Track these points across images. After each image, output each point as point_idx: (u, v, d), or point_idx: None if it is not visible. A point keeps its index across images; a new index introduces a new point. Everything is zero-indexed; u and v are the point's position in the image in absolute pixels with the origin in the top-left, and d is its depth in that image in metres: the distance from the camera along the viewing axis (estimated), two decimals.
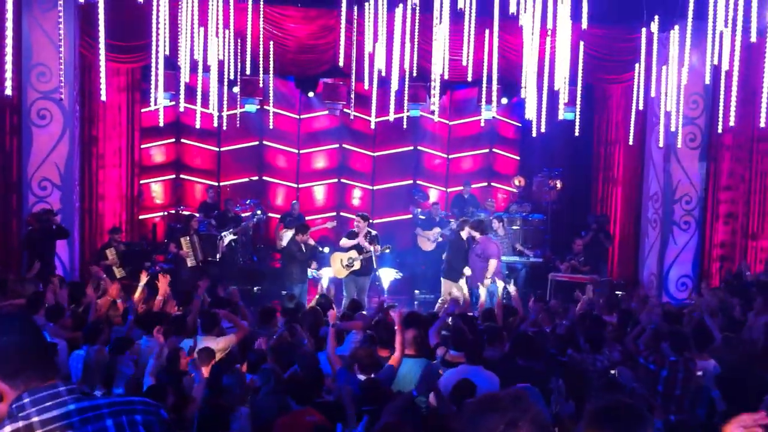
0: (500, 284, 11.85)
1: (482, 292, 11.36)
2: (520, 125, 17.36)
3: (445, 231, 15.29)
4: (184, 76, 11.82)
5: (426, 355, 7.25)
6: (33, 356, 2.33)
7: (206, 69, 12.20)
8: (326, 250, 13.91)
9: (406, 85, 13.08)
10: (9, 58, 9.49)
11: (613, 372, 6.96)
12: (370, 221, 12.92)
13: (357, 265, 12.30)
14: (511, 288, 10.93)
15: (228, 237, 14.48)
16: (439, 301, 12.40)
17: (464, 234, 12.56)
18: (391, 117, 13.02)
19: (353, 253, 12.31)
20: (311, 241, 12.85)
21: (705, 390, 6.55)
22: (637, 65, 13.10)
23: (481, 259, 12.21)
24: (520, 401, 2.00)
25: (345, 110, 15.01)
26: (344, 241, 12.64)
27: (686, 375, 6.70)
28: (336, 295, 12.64)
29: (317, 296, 10.73)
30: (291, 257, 12.55)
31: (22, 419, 2.26)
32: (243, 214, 15.70)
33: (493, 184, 18.14)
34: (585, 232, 14.63)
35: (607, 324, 8.78)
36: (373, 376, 6.47)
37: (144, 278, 9.68)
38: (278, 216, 16.05)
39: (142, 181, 15.81)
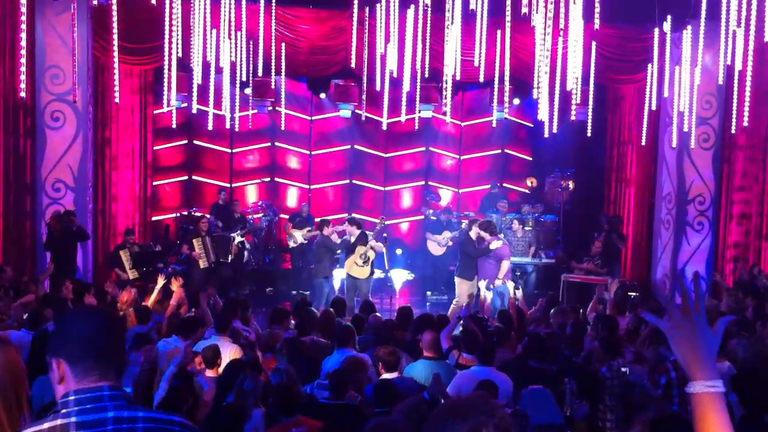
0: (510, 285, 11.82)
1: (488, 293, 11.33)
2: (532, 126, 17.30)
3: (455, 234, 15.29)
4: (197, 78, 11.87)
5: (444, 357, 7.26)
6: (96, 353, 2.39)
7: (218, 71, 12.25)
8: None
9: (418, 86, 13.09)
10: (23, 60, 9.54)
11: (624, 369, 6.93)
12: (360, 223, 12.86)
13: (372, 255, 12.30)
14: (519, 293, 10.95)
15: (237, 239, 14.53)
16: (454, 302, 12.36)
17: (473, 234, 12.50)
18: (403, 118, 13.04)
19: (360, 249, 12.31)
20: (337, 231, 12.81)
21: None
22: (649, 65, 13.06)
23: (490, 259, 12.14)
24: (484, 406, 2.00)
25: (357, 111, 15.01)
26: (335, 237, 12.72)
27: None
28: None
29: (333, 297, 10.80)
30: (327, 249, 12.52)
31: (62, 417, 2.32)
32: (255, 215, 15.74)
33: (505, 184, 18.09)
34: (597, 233, 14.57)
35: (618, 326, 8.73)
36: (395, 375, 6.48)
37: (161, 281, 9.71)
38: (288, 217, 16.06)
39: (154, 183, 15.85)
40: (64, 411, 2.32)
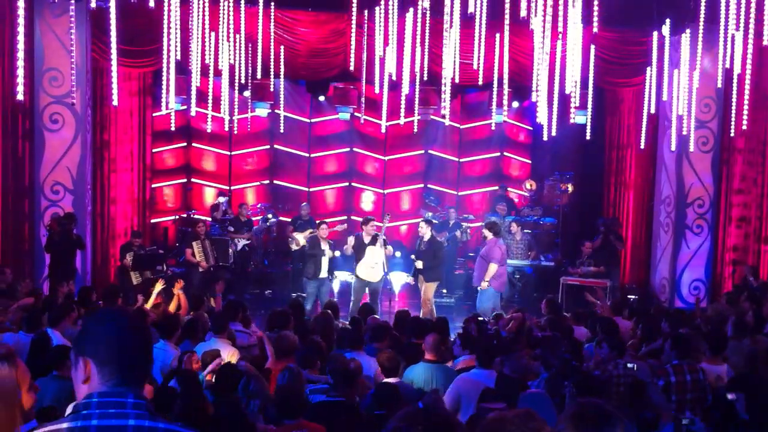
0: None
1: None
2: (531, 129, 17.32)
3: (453, 235, 15.33)
4: (196, 81, 11.86)
5: (444, 360, 7.24)
6: (122, 357, 2.36)
7: (217, 73, 12.25)
8: (337, 254, 13.89)
9: (417, 89, 13.09)
10: (21, 63, 9.53)
11: (630, 365, 6.91)
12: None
13: (382, 257, 12.31)
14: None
15: (242, 242, 14.53)
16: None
17: (425, 233, 12.64)
18: (402, 121, 13.02)
19: (372, 250, 12.28)
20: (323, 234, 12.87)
21: (722, 394, 6.46)
22: (648, 69, 13.06)
23: (484, 260, 12.26)
24: (531, 421, 1.97)
25: (356, 114, 15.01)
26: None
27: (694, 377, 6.62)
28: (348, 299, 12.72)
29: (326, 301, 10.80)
30: (310, 250, 12.64)
31: (83, 419, 2.30)
32: (254, 218, 15.73)
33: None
34: (595, 236, 14.60)
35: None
36: (397, 380, 6.46)
37: (159, 285, 9.71)
38: (289, 219, 16.04)
39: (153, 185, 15.84)
40: (85, 412, 2.31)
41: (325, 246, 12.49)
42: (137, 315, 2.47)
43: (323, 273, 12.47)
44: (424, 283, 12.51)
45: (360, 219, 13.91)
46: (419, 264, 12.45)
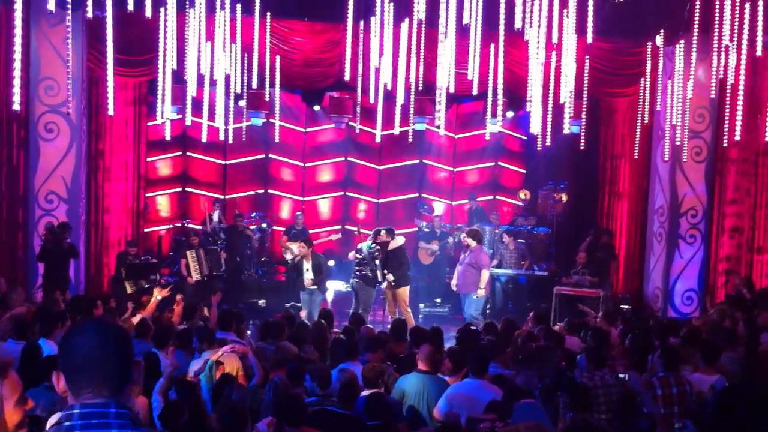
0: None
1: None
2: (525, 139, 17.36)
3: (443, 244, 15.36)
4: (191, 90, 11.86)
5: (437, 371, 7.23)
6: (88, 371, 2.35)
7: (213, 83, 12.26)
8: (331, 263, 13.90)
9: (412, 99, 13.13)
10: (17, 72, 9.54)
11: (623, 376, 6.91)
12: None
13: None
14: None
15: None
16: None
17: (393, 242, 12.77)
18: (397, 130, 13.05)
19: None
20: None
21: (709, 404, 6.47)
22: (642, 79, 13.12)
23: (472, 268, 12.36)
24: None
25: (351, 123, 15.03)
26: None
27: (680, 390, 6.62)
28: (342, 309, 12.73)
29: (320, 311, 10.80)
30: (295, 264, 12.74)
31: (66, 430, 2.29)
32: (249, 227, 15.74)
33: (498, 197, 18.14)
34: (585, 238, 14.77)
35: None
36: (381, 390, 6.45)
37: (156, 293, 9.71)
38: (283, 229, 16.05)
39: (148, 194, 15.82)
40: (67, 424, 2.30)
41: (307, 264, 12.44)
42: (109, 327, 2.43)
43: (306, 284, 12.41)
44: (393, 291, 12.56)
45: (354, 228, 13.93)
46: (390, 277, 12.49)
